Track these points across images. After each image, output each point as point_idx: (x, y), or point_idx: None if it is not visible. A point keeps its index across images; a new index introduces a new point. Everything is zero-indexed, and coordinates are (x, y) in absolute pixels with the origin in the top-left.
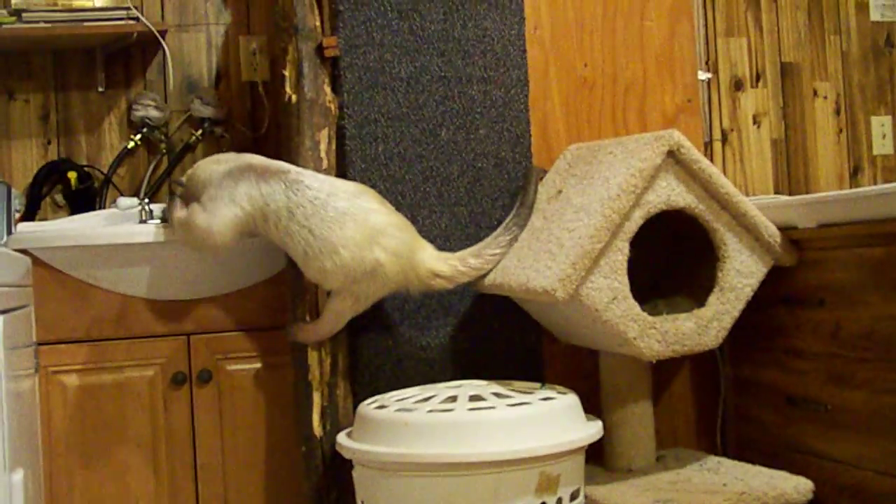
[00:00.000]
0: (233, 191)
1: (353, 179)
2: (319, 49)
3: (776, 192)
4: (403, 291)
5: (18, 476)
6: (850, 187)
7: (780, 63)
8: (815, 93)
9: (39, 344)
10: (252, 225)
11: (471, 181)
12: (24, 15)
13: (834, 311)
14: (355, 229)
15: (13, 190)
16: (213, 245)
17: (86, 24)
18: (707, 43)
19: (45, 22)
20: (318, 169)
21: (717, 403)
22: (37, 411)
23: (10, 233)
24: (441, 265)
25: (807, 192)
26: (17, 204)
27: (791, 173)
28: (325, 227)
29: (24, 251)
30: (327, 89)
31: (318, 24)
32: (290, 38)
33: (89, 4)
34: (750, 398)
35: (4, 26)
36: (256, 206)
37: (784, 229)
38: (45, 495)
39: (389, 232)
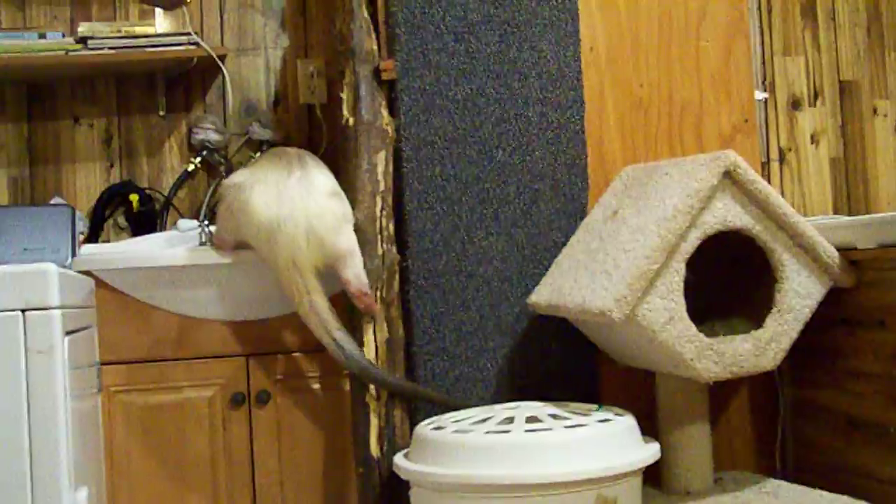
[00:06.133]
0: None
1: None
2: (376, 72)
3: (835, 213)
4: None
5: (83, 493)
6: None
7: (839, 81)
8: (875, 111)
9: (102, 364)
10: None
11: (527, 203)
12: (89, 42)
13: (895, 332)
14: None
15: (77, 212)
16: None
17: (148, 49)
18: (764, 62)
19: (110, 48)
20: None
21: (775, 425)
22: (100, 430)
23: (74, 255)
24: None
25: (867, 213)
26: (82, 226)
27: (850, 193)
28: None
29: (87, 273)
30: (384, 112)
31: (374, 47)
32: (348, 62)
33: (151, 31)
34: (809, 420)
35: (71, 53)
36: None
37: (843, 250)
38: None
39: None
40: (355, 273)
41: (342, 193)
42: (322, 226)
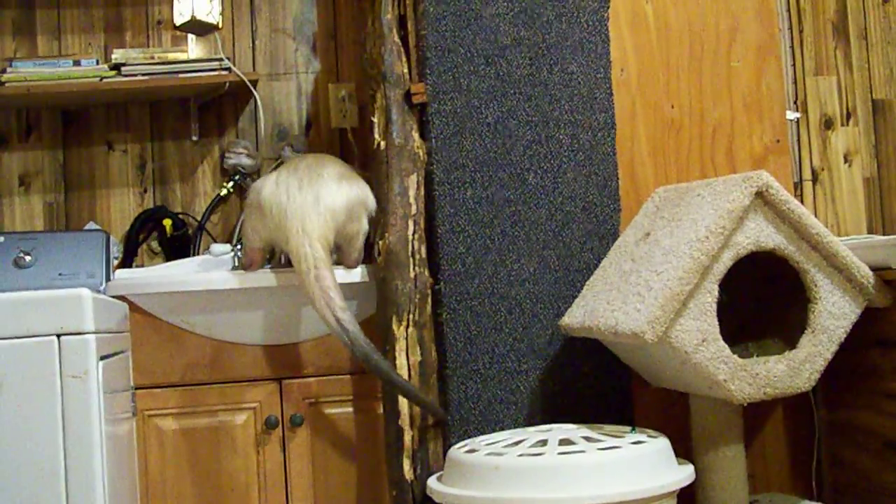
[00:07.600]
0: None
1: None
2: (407, 95)
3: (869, 232)
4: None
5: None
6: None
7: (871, 100)
8: None
9: (136, 388)
10: None
11: (559, 225)
12: (123, 69)
13: None
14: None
15: (111, 237)
16: None
17: (181, 75)
18: (795, 82)
19: (143, 75)
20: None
21: (811, 447)
22: (134, 454)
23: (108, 279)
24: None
25: None
26: (116, 251)
27: (884, 212)
28: None
29: (121, 297)
30: (415, 135)
31: (405, 71)
32: (379, 86)
33: (184, 57)
34: (846, 442)
35: (105, 80)
36: None
37: (877, 270)
38: None
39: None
40: (354, 259)
41: (359, 179)
42: (333, 200)
